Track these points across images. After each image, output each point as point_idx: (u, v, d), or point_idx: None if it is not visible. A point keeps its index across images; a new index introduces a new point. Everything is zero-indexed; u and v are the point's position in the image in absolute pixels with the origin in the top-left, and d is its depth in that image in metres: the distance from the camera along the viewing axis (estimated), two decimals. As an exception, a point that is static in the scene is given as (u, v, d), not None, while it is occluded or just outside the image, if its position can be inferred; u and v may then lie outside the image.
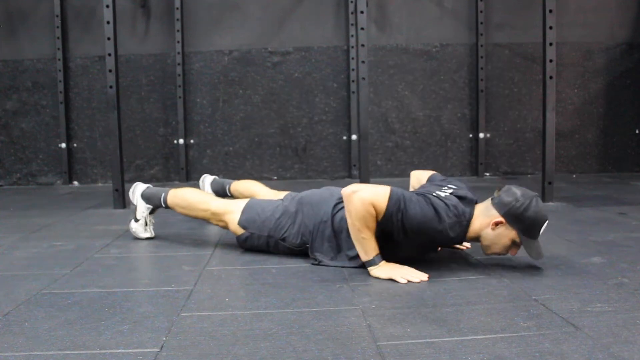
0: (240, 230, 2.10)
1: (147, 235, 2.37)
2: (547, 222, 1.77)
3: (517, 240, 1.76)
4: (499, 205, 1.76)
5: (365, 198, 1.70)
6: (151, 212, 2.37)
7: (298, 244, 2.01)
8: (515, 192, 1.76)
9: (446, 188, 1.90)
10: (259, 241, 2.08)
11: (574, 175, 4.54)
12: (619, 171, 4.62)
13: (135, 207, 2.37)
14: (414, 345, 1.22)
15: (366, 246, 1.76)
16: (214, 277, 1.80)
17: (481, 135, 4.52)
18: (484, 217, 1.79)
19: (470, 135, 4.57)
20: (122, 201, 3.16)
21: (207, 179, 2.80)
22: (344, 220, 1.88)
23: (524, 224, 1.73)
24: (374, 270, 1.77)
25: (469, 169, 4.60)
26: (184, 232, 2.55)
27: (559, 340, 1.23)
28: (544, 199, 3.17)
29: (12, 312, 1.48)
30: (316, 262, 1.94)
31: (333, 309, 1.48)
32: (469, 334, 1.29)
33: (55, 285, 1.73)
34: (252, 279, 1.79)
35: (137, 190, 2.38)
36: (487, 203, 1.81)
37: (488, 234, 1.78)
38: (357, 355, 1.18)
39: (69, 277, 1.83)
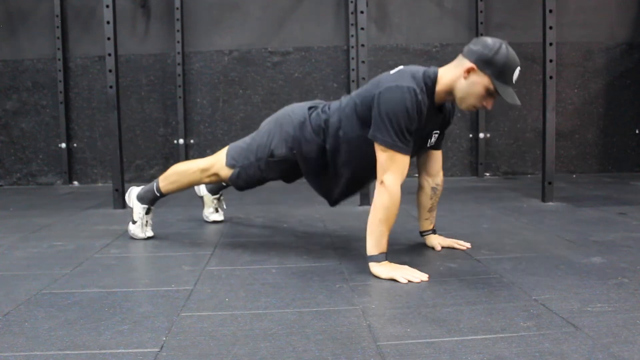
0: (230, 171, 2.14)
1: (144, 235, 2.38)
2: (519, 67, 1.76)
3: (491, 87, 1.75)
4: (468, 54, 1.77)
5: (393, 190, 1.75)
6: (147, 213, 2.38)
7: (285, 153, 2.03)
8: (484, 39, 1.77)
9: (394, 72, 1.88)
10: (250, 170, 2.11)
11: (574, 175, 4.54)
12: (619, 171, 4.62)
13: (132, 209, 2.40)
14: (414, 345, 1.22)
15: (380, 241, 1.77)
16: (214, 277, 1.81)
17: (481, 135, 4.52)
18: (454, 69, 1.80)
19: (470, 135, 4.57)
20: (122, 201, 3.16)
21: None
22: (319, 118, 1.96)
23: (496, 67, 1.72)
24: (376, 268, 1.77)
25: (469, 169, 4.60)
26: (184, 232, 2.55)
27: (559, 340, 1.23)
28: (544, 199, 3.17)
29: (12, 312, 1.48)
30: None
31: (333, 309, 1.48)
32: (469, 334, 1.29)
33: (55, 285, 1.74)
34: (252, 279, 1.79)
35: (132, 193, 2.42)
36: (456, 59, 1.82)
37: (461, 84, 1.78)
38: (357, 355, 1.18)
39: (69, 277, 1.83)
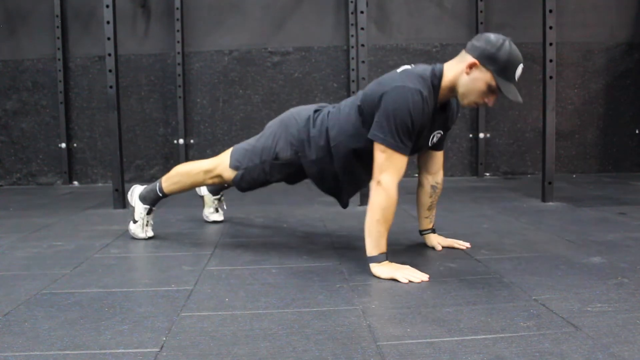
0: (234, 173, 2.13)
1: (145, 235, 2.37)
2: (522, 64, 1.75)
3: (493, 84, 1.74)
4: (471, 50, 1.77)
5: (390, 190, 1.74)
6: (149, 213, 2.37)
7: (290, 156, 2.03)
8: (487, 36, 1.77)
9: (400, 70, 1.88)
10: (254, 173, 2.10)
11: (574, 175, 4.54)
12: (619, 171, 4.62)
13: (134, 208, 2.39)
14: (414, 345, 1.22)
15: (379, 241, 1.76)
16: (214, 277, 1.81)
17: (481, 135, 4.52)
18: (457, 64, 1.80)
19: (470, 135, 4.57)
20: (122, 201, 3.16)
21: None
22: (324, 121, 1.97)
23: (499, 63, 1.72)
24: (376, 268, 1.76)
25: (469, 169, 4.60)
26: (184, 232, 2.55)
27: (559, 340, 1.23)
28: (544, 199, 3.17)
29: (12, 312, 1.48)
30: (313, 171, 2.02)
31: (333, 309, 1.48)
32: (469, 334, 1.29)
33: (55, 285, 1.73)
34: (252, 279, 1.79)
35: (134, 192, 2.41)
36: (460, 55, 1.82)
37: (463, 79, 1.78)
38: (357, 355, 1.18)
39: (69, 277, 1.83)
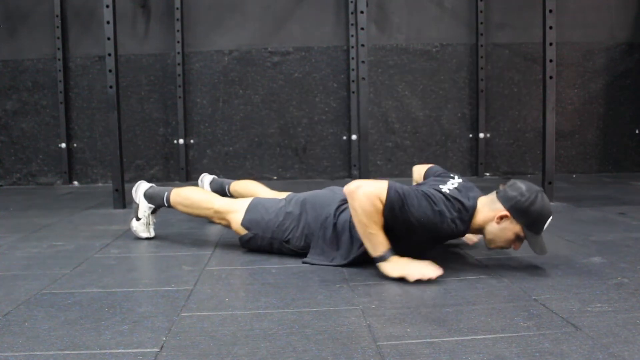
0: (243, 231, 2.09)
1: (147, 235, 2.37)
2: (551, 217, 1.76)
3: (521, 234, 1.76)
4: (504, 199, 1.76)
5: (370, 192, 1.69)
6: (153, 212, 2.36)
7: (302, 246, 2.01)
8: (520, 187, 1.77)
9: (450, 181, 1.89)
10: (262, 242, 2.07)
11: (574, 175, 4.54)
12: (619, 171, 4.62)
13: (137, 205, 2.36)
14: (414, 345, 1.22)
15: (374, 241, 1.74)
16: (214, 277, 1.80)
17: (481, 135, 4.52)
18: (488, 211, 1.79)
19: (470, 135, 4.57)
20: (122, 201, 3.16)
21: (206, 179, 2.80)
22: (347, 221, 1.89)
23: (529, 218, 1.73)
24: (385, 267, 1.73)
25: (469, 169, 4.60)
26: (184, 232, 2.55)
27: (559, 340, 1.23)
28: (544, 199, 3.17)
29: (12, 312, 1.48)
30: (307, 262, 1.95)
31: (333, 309, 1.48)
32: (469, 334, 1.29)
33: (55, 285, 1.73)
34: (252, 279, 1.79)
35: (140, 189, 2.36)
36: (492, 196, 1.81)
37: (492, 227, 1.78)
38: (357, 355, 1.18)
39: (69, 277, 1.83)
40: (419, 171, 2.22)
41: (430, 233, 1.77)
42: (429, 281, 1.69)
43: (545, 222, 1.76)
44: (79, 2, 4.45)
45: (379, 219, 1.71)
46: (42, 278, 1.81)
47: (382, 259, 1.74)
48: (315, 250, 1.97)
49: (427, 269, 1.70)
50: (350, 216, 1.84)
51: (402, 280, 1.69)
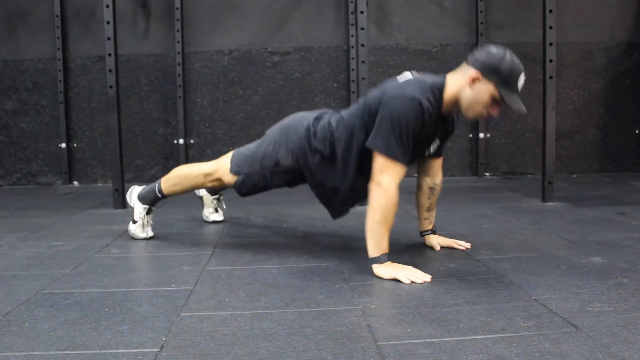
0: (234, 178, 2.13)
1: (145, 235, 2.37)
2: (523, 73, 1.77)
3: (496, 95, 1.75)
4: (473, 63, 1.78)
5: (390, 191, 1.74)
6: (148, 213, 2.37)
7: (291, 163, 2.02)
8: (487, 48, 1.79)
9: (401, 77, 1.88)
10: (255, 178, 2.10)
11: (574, 175, 4.54)
12: (619, 171, 4.62)
13: (133, 209, 2.39)
14: (414, 345, 1.22)
15: (380, 241, 1.76)
16: (214, 277, 1.81)
17: (481, 135, 4.52)
18: (460, 78, 1.80)
19: (470, 135, 4.57)
20: (122, 201, 3.16)
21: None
22: (325, 129, 1.95)
23: (501, 74, 1.73)
24: (378, 269, 1.76)
25: (469, 169, 4.60)
26: (184, 232, 2.55)
27: (559, 340, 1.23)
28: (544, 199, 3.17)
29: (12, 312, 1.48)
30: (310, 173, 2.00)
31: (333, 309, 1.48)
32: (469, 334, 1.29)
33: (55, 285, 1.73)
34: (252, 279, 1.79)
35: (133, 193, 2.41)
36: (461, 68, 1.82)
37: (466, 93, 1.78)
38: (357, 355, 1.18)
39: (69, 277, 1.83)
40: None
41: (414, 128, 1.76)
42: (430, 281, 1.69)
43: (518, 77, 1.75)
44: (79, 2, 4.45)
45: (392, 219, 1.77)
46: (42, 278, 1.81)
47: (379, 260, 1.77)
48: (320, 169, 1.98)
49: (415, 276, 1.72)
50: (330, 118, 1.97)
51: (401, 280, 1.70)
